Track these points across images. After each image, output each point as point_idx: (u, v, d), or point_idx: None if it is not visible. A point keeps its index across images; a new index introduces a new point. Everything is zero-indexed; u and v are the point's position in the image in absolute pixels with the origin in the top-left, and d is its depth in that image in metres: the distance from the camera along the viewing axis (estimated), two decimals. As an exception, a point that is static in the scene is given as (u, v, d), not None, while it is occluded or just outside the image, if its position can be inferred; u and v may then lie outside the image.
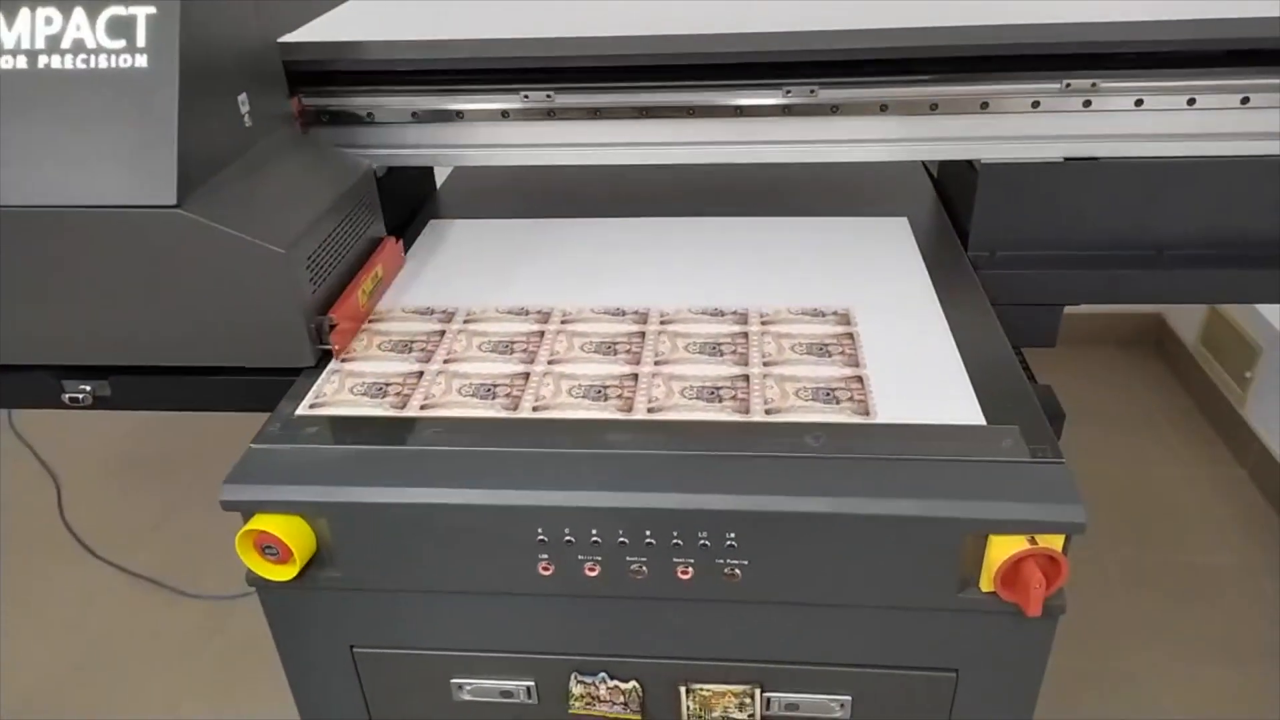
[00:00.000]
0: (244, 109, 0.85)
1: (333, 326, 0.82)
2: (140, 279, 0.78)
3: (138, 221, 0.75)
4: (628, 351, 0.83)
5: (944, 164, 1.16)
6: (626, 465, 0.70)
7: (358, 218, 0.92)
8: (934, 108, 0.95)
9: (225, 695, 1.59)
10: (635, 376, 0.80)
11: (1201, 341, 2.16)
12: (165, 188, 0.74)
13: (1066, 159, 0.95)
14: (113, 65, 0.75)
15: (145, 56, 0.75)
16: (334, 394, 0.80)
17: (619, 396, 0.77)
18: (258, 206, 0.80)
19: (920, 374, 0.79)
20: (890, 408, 0.75)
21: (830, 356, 0.81)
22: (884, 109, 0.95)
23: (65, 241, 0.76)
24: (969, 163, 1.00)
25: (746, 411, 0.75)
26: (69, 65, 0.75)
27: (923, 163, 1.23)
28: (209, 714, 1.57)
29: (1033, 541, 0.64)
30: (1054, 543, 0.65)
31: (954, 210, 1.08)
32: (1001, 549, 0.65)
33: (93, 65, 0.75)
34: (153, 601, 1.78)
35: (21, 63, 0.75)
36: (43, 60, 0.75)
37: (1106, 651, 1.58)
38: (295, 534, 0.70)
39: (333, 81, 1.00)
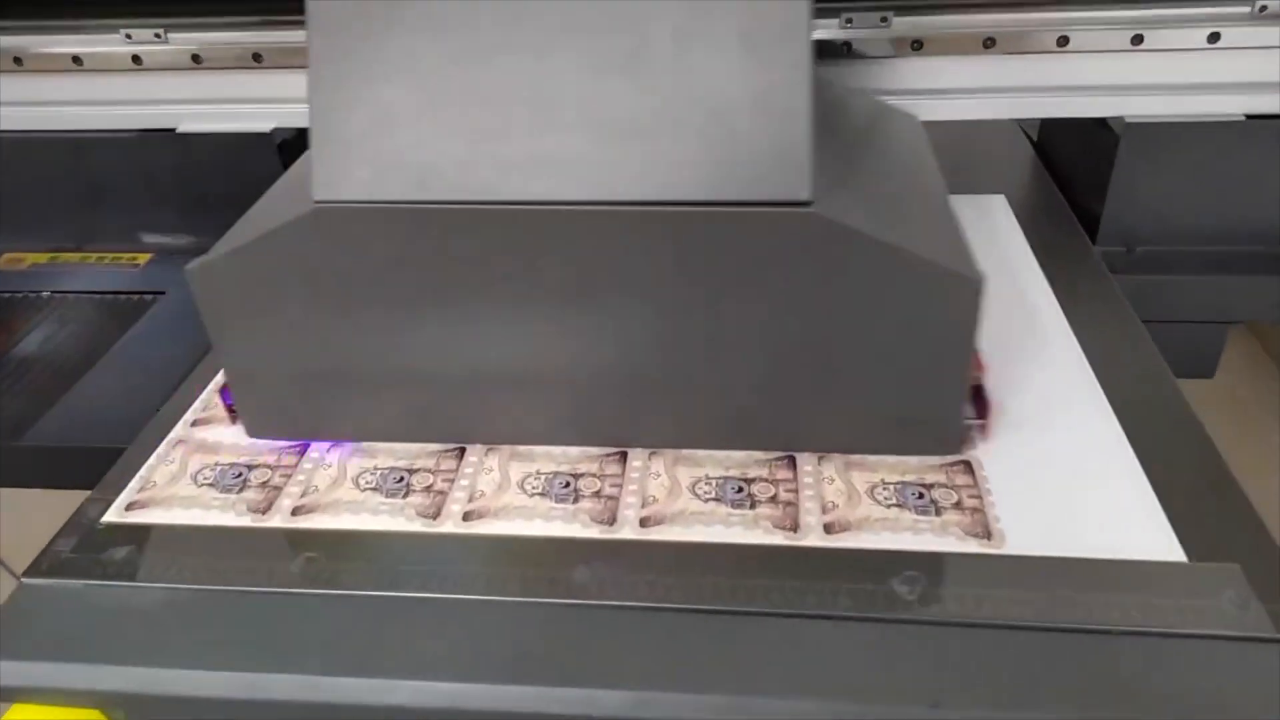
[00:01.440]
0: None
1: (978, 388, 0.54)
2: (738, 315, 0.49)
3: (749, 225, 0.46)
4: (613, 414, 0.56)
5: (1049, 123, 0.87)
6: (600, 629, 0.43)
7: None
8: (1063, 43, 0.66)
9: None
10: (623, 457, 0.53)
11: (1307, 321, 1.86)
12: (796, 175, 0.45)
13: (1249, 116, 0.67)
14: None
15: None
16: (167, 484, 0.53)
17: (595, 494, 0.50)
18: (888, 202, 0.51)
19: (1061, 457, 0.51)
20: (1022, 523, 0.47)
21: (919, 425, 0.54)
22: (989, 45, 0.66)
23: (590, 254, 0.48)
24: (1102, 121, 0.71)
25: (795, 527, 0.48)
26: None
27: (1016, 120, 0.93)
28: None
29: (1295, 795, 0.37)
30: (1332, 797, 0.38)
31: (1071, 187, 0.79)
32: (1240, 806, 0.38)
33: None
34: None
35: None
36: None
37: None
38: (78, 735, 0.45)
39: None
